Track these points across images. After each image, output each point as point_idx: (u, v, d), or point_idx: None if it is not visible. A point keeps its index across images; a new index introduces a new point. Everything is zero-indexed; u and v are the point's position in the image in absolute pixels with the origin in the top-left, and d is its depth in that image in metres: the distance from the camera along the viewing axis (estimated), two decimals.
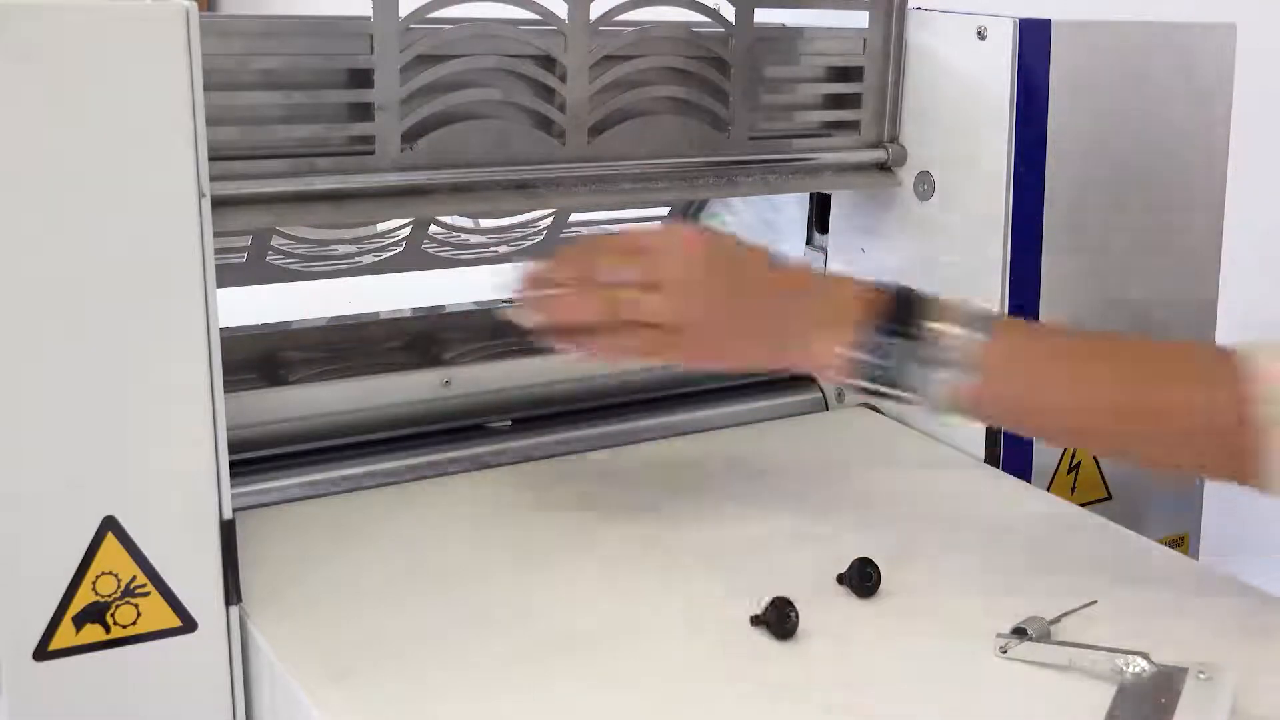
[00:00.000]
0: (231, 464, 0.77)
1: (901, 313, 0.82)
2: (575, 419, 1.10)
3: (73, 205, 0.70)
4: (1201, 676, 0.72)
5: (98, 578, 0.73)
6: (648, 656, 0.78)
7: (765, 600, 0.80)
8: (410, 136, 0.92)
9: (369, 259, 1.14)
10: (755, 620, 0.80)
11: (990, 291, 1.07)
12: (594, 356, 0.85)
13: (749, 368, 0.87)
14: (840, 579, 0.85)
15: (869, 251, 1.18)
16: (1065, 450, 1.11)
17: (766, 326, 0.84)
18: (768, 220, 1.30)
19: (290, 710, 0.75)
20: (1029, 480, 1.08)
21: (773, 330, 0.84)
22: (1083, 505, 1.03)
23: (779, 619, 0.80)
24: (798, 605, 0.82)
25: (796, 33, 1.11)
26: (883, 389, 0.82)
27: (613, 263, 0.83)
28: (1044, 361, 0.84)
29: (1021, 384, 0.83)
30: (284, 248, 1.07)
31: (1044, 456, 1.10)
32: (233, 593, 0.77)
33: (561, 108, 0.98)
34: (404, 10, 0.90)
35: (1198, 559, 1.17)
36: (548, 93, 0.97)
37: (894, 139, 1.13)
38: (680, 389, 1.16)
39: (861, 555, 0.85)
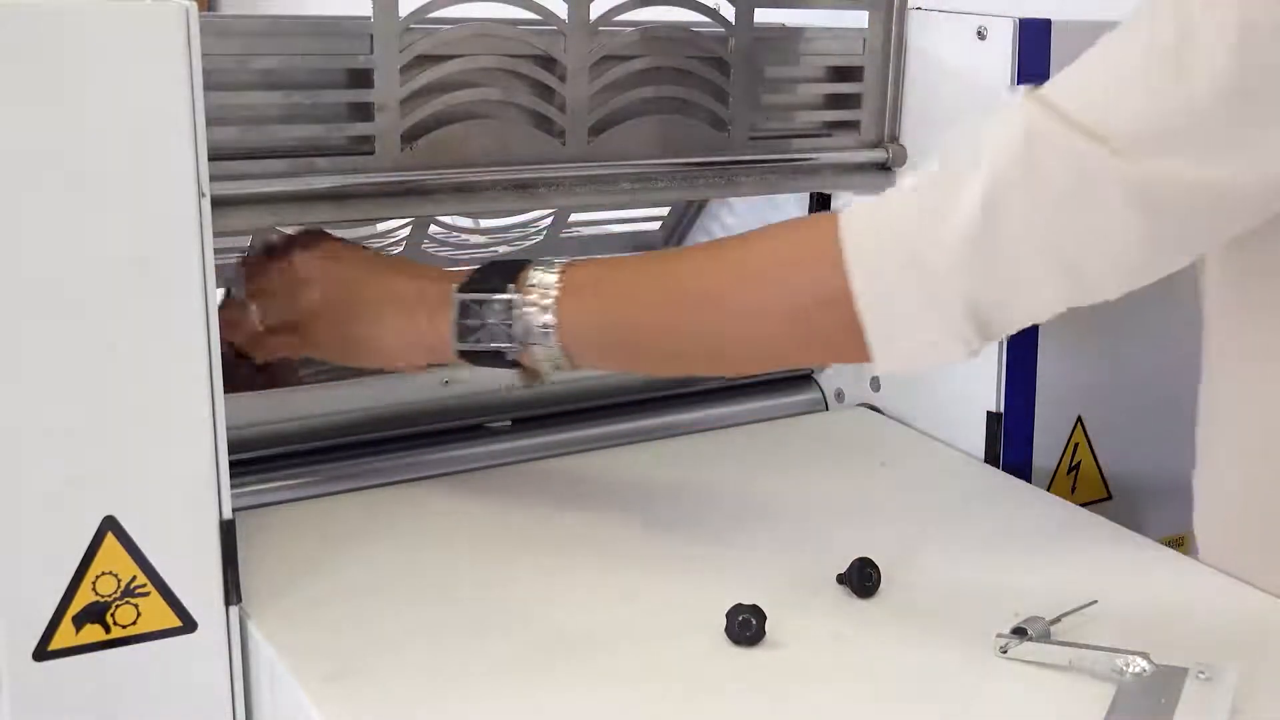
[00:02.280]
0: (231, 464, 0.77)
1: (486, 274, 0.86)
2: (575, 419, 1.10)
3: (72, 205, 0.70)
4: (1201, 676, 0.72)
5: (98, 578, 0.73)
6: (647, 656, 0.78)
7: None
8: (410, 136, 0.92)
9: None
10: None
11: None
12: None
13: (372, 357, 0.92)
14: (840, 579, 0.85)
15: None
16: (1065, 450, 1.11)
17: (373, 315, 0.90)
18: (768, 220, 1.30)
19: (290, 710, 0.75)
20: (1029, 480, 1.08)
21: (377, 317, 0.89)
22: (1083, 505, 1.04)
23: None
24: (798, 605, 0.82)
25: (796, 33, 1.11)
26: (487, 347, 0.85)
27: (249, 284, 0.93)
28: (623, 272, 0.87)
29: (600, 300, 0.84)
30: None
31: (1044, 456, 1.10)
32: (233, 593, 0.77)
33: (561, 108, 0.98)
34: (404, 10, 0.90)
35: (1198, 559, 1.17)
36: (548, 93, 0.97)
37: (894, 139, 1.13)
38: (680, 389, 1.16)
39: (861, 555, 0.85)
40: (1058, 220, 0.70)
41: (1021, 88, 0.73)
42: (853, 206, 0.78)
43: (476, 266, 0.88)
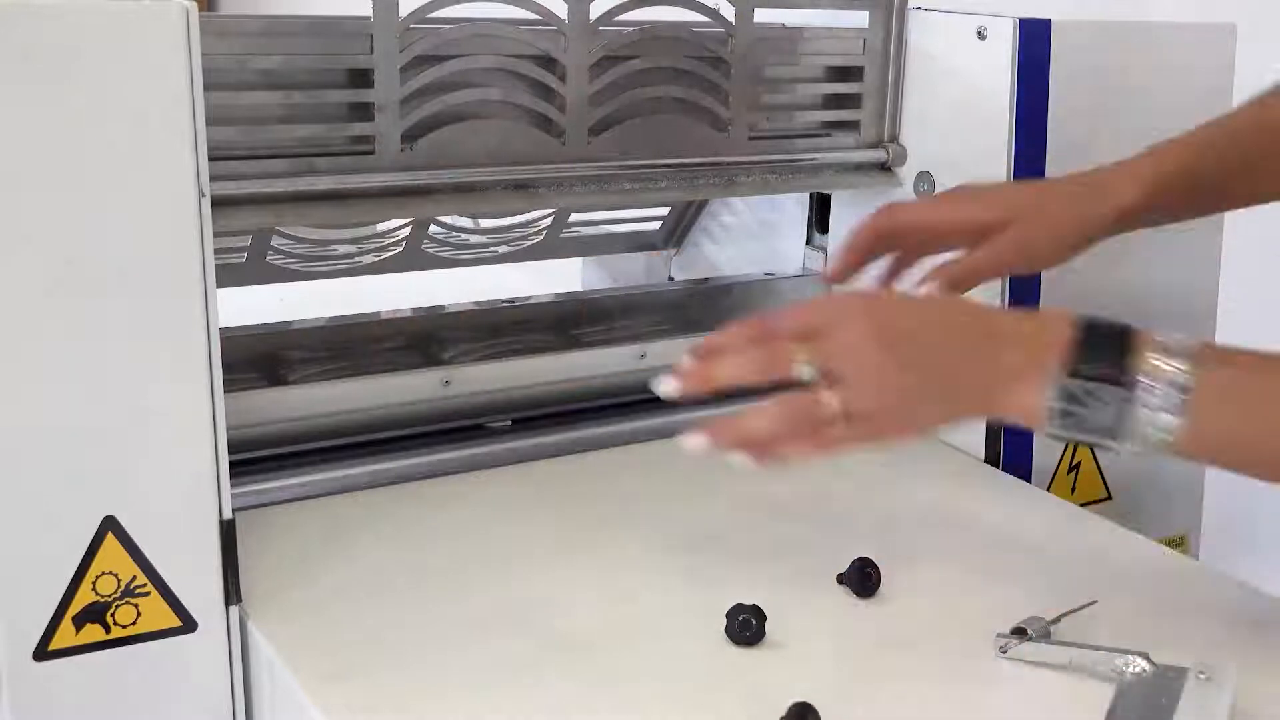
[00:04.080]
0: (231, 464, 0.77)
1: (1099, 353, 0.74)
2: (575, 419, 1.10)
3: (73, 205, 0.70)
4: (1201, 676, 0.72)
5: (98, 578, 0.73)
6: (646, 656, 0.78)
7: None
8: (410, 136, 0.92)
9: (369, 259, 1.15)
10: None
11: (990, 291, 1.07)
12: (772, 461, 0.78)
13: (941, 432, 0.81)
14: (840, 579, 0.85)
15: None
16: (1065, 450, 1.11)
17: (957, 389, 0.77)
18: (768, 220, 1.30)
19: (290, 710, 0.75)
20: (1029, 480, 1.08)
21: (964, 391, 0.77)
22: (1083, 505, 1.04)
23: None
24: (798, 605, 0.82)
25: (796, 33, 1.11)
26: (1084, 438, 0.74)
27: (784, 345, 0.78)
28: (1262, 400, 0.74)
29: (1238, 426, 0.74)
30: (284, 248, 1.07)
31: (1044, 456, 1.10)
32: (233, 593, 0.77)
33: (561, 108, 0.98)
34: (404, 10, 0.90)
35: (1198, 559, 1.17)
36: (548, 93, 0.97)
37: (894, 139, 1.13)
38: None
39: (861, 555, 0.85)
40: None
41: None
42: None
43: (1074, 320, 0.75)
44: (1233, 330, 1.20)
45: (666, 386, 0.80)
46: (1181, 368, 0.72)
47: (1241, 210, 1.17)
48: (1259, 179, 0.97)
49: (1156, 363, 0.73)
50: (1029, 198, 0.94)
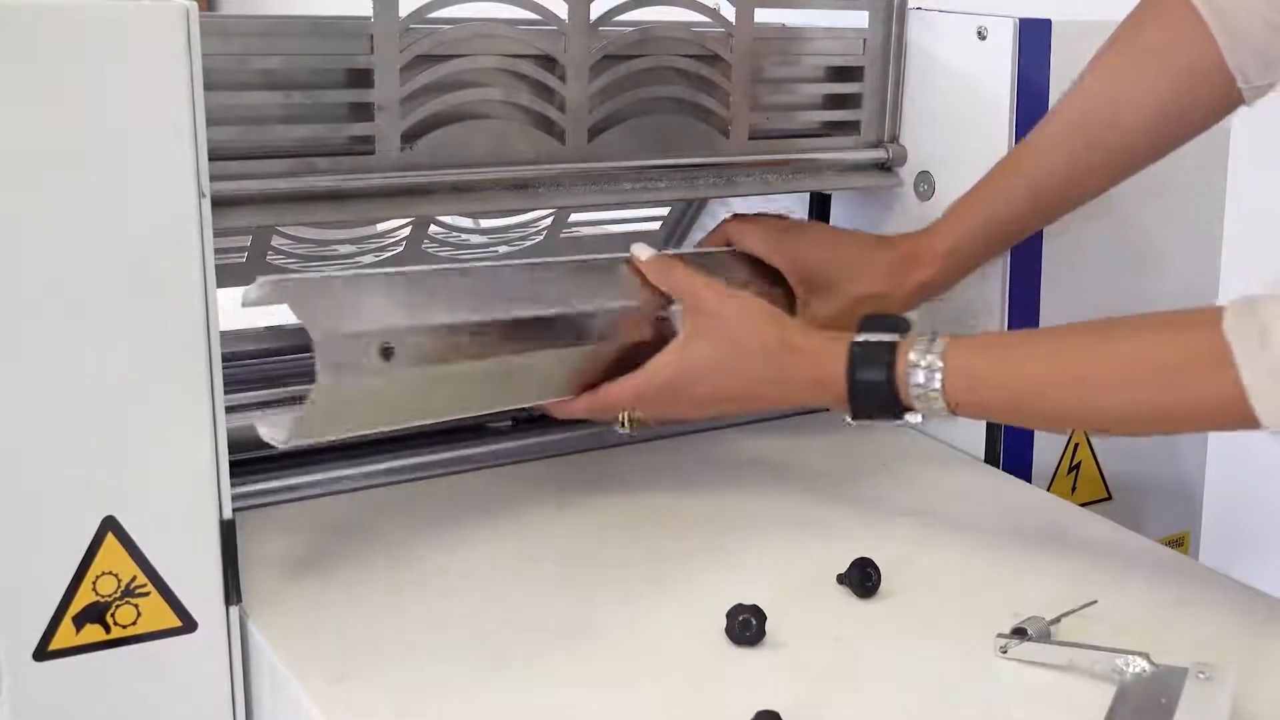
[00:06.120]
0: (231, 464, 0.77)
1: (870, 398, 0.89)
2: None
3: (73, 205, 0.70)
4: (1201, 676, 0.72)
5: (98, 578, 0.73)
6: (647, 656, 0.78)
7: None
8: (410, 136, 0.92)
9: (369, 259, 1.14)
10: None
11: (990, 292, 1.07)
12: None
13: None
14: (840, 579, 0.86)
15: None
16: (1065, 450, 1.11)
17: (754, 406, 1.02)
18: None
19: (290, 710, 0.75)
20: (1029, 480, 1.08)
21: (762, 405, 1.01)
22: (1083, 505, 1.04)
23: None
24: (798, 605, 0.82)
25: (796, 33, 1.11)
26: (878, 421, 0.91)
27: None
28: (1006, 364, 0.87)
29: (996, 400, 0.88)
30: (284, 248, 1.07)
31: (1044, 456, 1.10)
32: (233, 593, 0.77)
33: (561, 108, 0.98)
34: (404, 10, 0.90)
35: (1198, 559, 1.17)
36: (548, 93, 0.97)
37: (894, 139, 1.13)
38: None
39: (861, 555, 0.85)
40: None
41: None
42: (1237, 329, 0.79)
43: (851, 341, 0.90)
44: None
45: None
46: (935, 374, 0.86)
47: (1243, 187, 1.18)
48: (1086, 180, 1.00)
49: (912, 366, 0.87)
50: (851, 260, 1.04)
